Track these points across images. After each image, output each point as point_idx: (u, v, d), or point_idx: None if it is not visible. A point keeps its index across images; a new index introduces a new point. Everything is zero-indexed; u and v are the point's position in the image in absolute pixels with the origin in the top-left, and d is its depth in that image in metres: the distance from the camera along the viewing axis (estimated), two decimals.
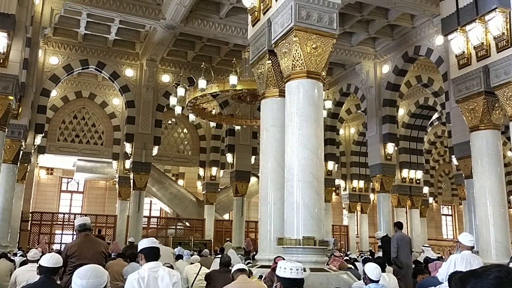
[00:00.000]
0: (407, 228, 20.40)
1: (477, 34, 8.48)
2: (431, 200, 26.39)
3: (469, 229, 12.05)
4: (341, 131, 22.81)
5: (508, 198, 16.73)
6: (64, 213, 21.06)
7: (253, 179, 18.41)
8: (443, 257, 13.43)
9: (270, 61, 7.29)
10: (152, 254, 3.40)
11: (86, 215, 19.46)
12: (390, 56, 15.93)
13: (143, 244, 3.50)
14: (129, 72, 17.01)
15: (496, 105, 8.68)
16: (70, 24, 14.97)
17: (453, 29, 8.97)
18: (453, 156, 13.94)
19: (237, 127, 16.36)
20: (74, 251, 4.72)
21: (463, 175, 12.52)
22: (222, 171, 21.44)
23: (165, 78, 17.53)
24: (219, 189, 21.80)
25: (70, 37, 15.94)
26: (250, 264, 7.30)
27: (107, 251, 5.28)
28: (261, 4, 7.40)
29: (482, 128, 8.76)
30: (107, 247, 5.27)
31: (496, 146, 8.71)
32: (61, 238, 18.96)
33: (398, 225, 9.74)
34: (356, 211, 23.31)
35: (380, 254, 10.81)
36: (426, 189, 22.45)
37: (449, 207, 31.06)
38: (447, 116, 13.42)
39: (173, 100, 13.56)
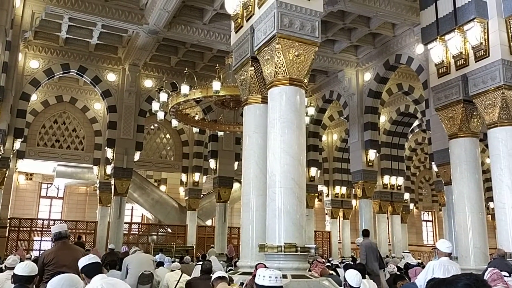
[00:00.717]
0: (389, 234, 20.63)
1: (456, 44, 8.65)
2: (412, 206, 26.71)
3: (448, 235, 12.23)
4: (324, 138, 22.96)
5: (486, 204, 17.10)
6: (43, 219, 20.65)
7: (236, 185, 18.37)
8: (424, 263, 13.59)
9: (253, 68, 7.31)
10: (93, 270, 3.24)
11: (66, 221, 19.15)
12: (371, 64, 16.14)
13: (81, 263, 3.35)
14: (111, 77, 16.86)
15: (475, 113, 8.86)
16: (51, 28, 14.78)
17: (432, 38, 9.15)
18: (433, 163, 14.16)
19: (220, 133, 16.32)
20: (51, 259, 4.62)
21: (443, 182, 12.72)
22: (205, 176, 21.36)
23: (148, 83, 17.42)
24: (201, 195, 21.70)
25: (51, 41, 15.74)
26: (232, 271, 7.27)
27: None
28: (244, 11, 7.43)
29: (461, 135, 8.93)
30: (84, 253, 5.17)
31: (474, 154, 8.88)
32: (40, 244, 18.59)
33: (365, 233, 9.96)
34: (338, 217, 23.45)
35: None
36: (407, 195, 22.75)
37: (430, 213, 31.47)
38: (427, 123, 13.64)
39: (155, 105, 13.47)
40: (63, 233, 4.93)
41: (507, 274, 6.57)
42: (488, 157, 8.64)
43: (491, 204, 17.15)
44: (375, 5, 12.44)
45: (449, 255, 4.70)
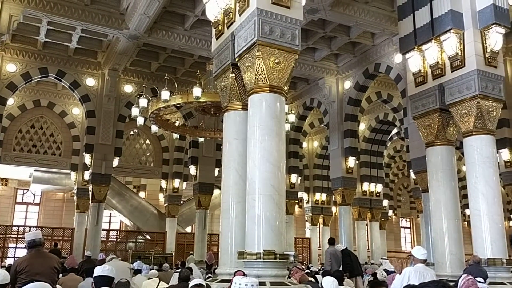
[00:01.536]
0: (368, 240, 20.82)
1: (433, 54, 8.83)
2: (390, 213, 27.01)
3: (426, 242, 12.40)
4: (304, 145, 23.08)
5: (462, 211, 17.42)
6: (18, 226, 20.22)
7: (216, 192, 18.28)
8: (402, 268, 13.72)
9: (233, 75, 7.32)
10: (100, 282, 3.33)
11: (42, 228, 18.80)
12: (351, 72, 16.34)
13: (95, 272, 3.46)
14: (90, 82, 16.65)
15: (451, 122, 9.03)
16: (29, 31, 14.53)
17: (410, 48, 9.31)
18: (411, 170, 14.36)
19: (201, 139, 16.25)
20: (24, 266, 4.51)
21: (421, 189, 12.91)
22: (185, 183, 21.21)
23: (128, 88, 17.26)
24: (181, 202, 21.52)
25: (30, 44, 15.47)
26: (211, 278, 7.22)
27: (60, 266, 5.08)
28: (225, 18, 7.44)
29: (438, 144, 9.09)
30: (60, 261, 5.07)
31: (450, 161, 9.04)
32: (15, 252, 18.15)
33: (331, 241, 10.35)
34: (318, 224, 23.55)
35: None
36: (385, 202, 23.00)
37: (408, 219, 31.87)
38: (405, 131, 13.85)
39: (135, 111, 13.35)
40: (37, 241, 4.82)
41: (482, 281, 6.70)
42: (464, 165, 8.79)
43: (467, 211, 17.49)
44: (355, 15, 12.62)
45: (424, 261, 4.77)
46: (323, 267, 14.84)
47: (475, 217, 8.15)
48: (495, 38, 8.26)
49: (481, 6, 8.40)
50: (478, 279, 6.56)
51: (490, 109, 8.38)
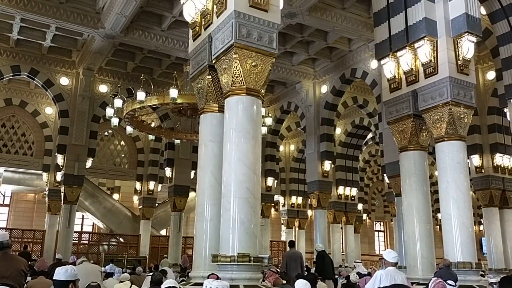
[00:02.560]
0: (342, 243, 21.00)
1: (407, 60, 8.98)
2: (365, 216, 27.36)
3: (399, 245, 12.57)
4: (281, 148, 23.17)
5: (434, 215, 17.77)
6: None
7: (192, 194, 18.11)
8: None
9: (210, 77, 7.29)
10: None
11: (11, 229, 18.33)
12: (328, 77, 16.50)
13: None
14: (64, 81, 16.31)
15: (424, 127, 9.20)
16: (1, 28, 14.12)
17: (385, 54, 9.46)
18: (385, 175, 14.57)
19: (177, 141, 16.12)
20: None
21: (394, 193, 13.09)
22: (160, 185, 20.99)
23: (103, 88, 16.98)
24: (156, 204, 21.27)
25: (1, 41, 15.05)
26: (184, 282, 7.15)
27: (28, 269, 4.93)
28: (203, 19, 7.41)
29: (411, 149, 9.24)
30: (27, 264, 4.92)
31: (422, 166, 9.21)
32: None
33: (290, 244, 10.63)
34: (294, 227, 23.62)
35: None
36: (360, 206, 23.28)
37: (382, 223, 32.33)
38: (380, 136, 14.05)
39: (110, 111, 13.14)
40: (4, 243, 4.67)
41: (453, 283, 6.83)
42: (436, 169, 8.97)
43: (439, 215, 17.84)
44: (332, 20, 12.77)
45: (395, 264, 4.83)
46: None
47: (446, 221, 8.30)
48: (467, 46, 8.46)
49: (454, 15, 8.60)
50: (449, 281, 6.70)
51: (462, 116, 8.57)
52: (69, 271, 3.20)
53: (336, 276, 11.32)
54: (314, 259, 11.48)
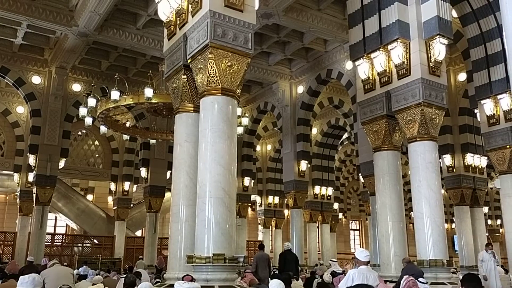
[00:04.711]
0: (319, 242, 21.17)
1: (381, 62, 9.12)
2: (340, 215, 27.64)
3: (373, 244, 12.75)
4: (258, 148, 23.19)
5: (408, 214, 18.09)
6: None
7: (168, 195, 17.96)
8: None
9: (185, 76, 7.24)
10: None
11: None
12: (304, 77, 16.61)
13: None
14: (36, 79, 15.94)
15: (397, 128, 9.36)
16: None
17: (359, 55, 9.59)
18: (360, 174, 14.75)
19: (152, 141, 15.95)
20: None
21: (369, 192, 13.26)
22: (135, 185, 20.75)
23: (76, 87, 16.67)
24: (131, 205, 21.02)
25: None
26: (159, 283, 7.08)
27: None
28: (178, 18, 7.36)
29: (384, 149, 9.40)
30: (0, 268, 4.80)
31: (396, 166, 9.37)
32: None
33: (260, 246, 10.94)
34: (271, 227, 23.68)
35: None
36: (336, 205, 23.49)
37: (357, 222, 32.75)
38: (355, 136, 14.22)
39: (83, 111, 12.92)
40: None
41: (424, 281, 7.00)
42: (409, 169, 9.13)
43: (412, 214, 18.16)
44: (308, 21, 12.85)
45: (367, 263, 4.90)
46: (274, 270, 14.97)
47: (418, 219, 8.47)
48: (439, 48, 8.65)
49: (426, 18, 8.78)
50: (421, 279, 6.85)
51: (433, 116, 8.75)
52: (36, 279, 3.13)
53: (316, 275, 11.39)
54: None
